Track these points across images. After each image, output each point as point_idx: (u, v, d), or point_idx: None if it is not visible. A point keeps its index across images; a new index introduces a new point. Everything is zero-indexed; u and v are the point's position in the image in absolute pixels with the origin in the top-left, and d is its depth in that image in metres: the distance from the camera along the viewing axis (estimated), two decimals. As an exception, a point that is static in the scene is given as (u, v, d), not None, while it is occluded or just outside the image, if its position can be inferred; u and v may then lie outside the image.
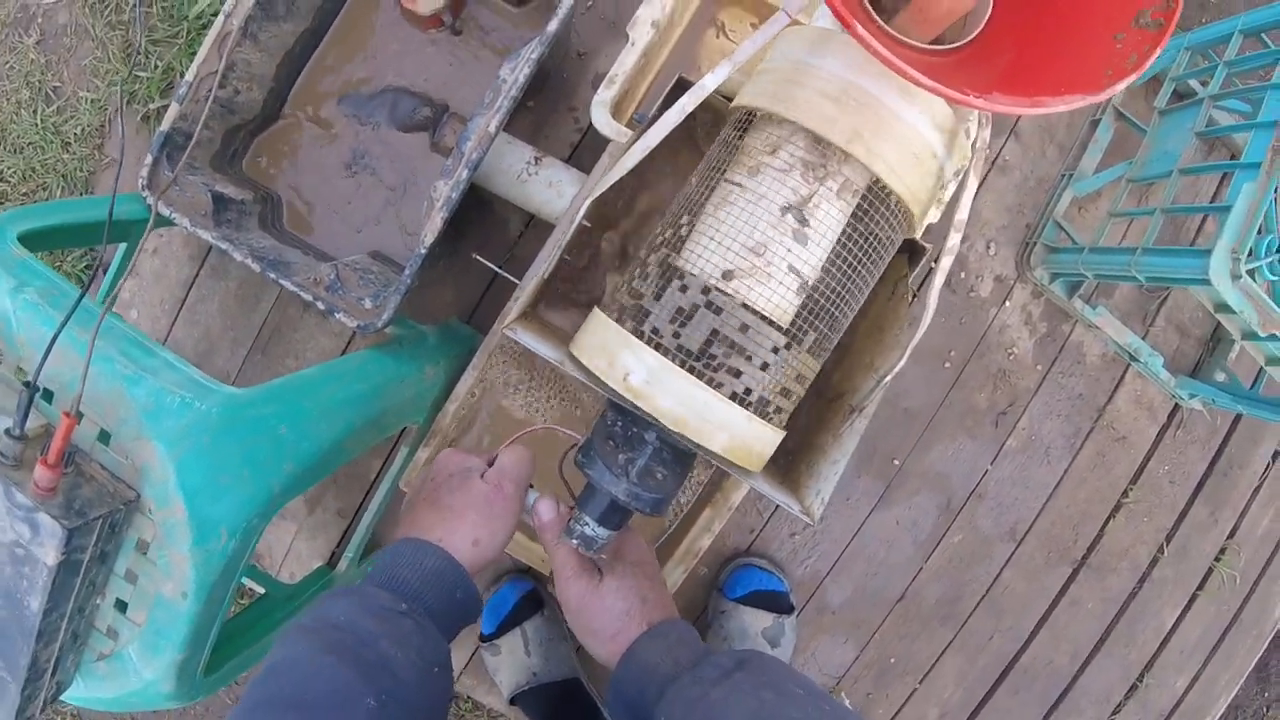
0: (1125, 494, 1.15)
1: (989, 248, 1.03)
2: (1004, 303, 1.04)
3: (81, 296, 0.51)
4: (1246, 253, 0.72)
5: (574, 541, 0.53)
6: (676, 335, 0.52)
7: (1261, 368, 1.03)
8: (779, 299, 0.51)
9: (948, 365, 1.04)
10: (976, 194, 1.01)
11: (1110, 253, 0.88)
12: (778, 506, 1.00)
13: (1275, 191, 0.73)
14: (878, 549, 1.08)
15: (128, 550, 0.52)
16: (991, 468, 1.08)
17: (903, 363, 0.57)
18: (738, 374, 0.51)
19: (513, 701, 1.00)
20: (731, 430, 0.52)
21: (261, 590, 0.88)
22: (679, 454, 0.54)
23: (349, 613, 0.46)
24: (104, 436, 0.51)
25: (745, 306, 0.51)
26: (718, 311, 0.51)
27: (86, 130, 1.11)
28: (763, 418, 0.53)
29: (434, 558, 0.51)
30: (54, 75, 1.12)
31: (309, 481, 0.58)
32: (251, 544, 0.53)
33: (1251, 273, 0.74)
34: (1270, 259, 0.75)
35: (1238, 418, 1.23)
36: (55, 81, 1.11)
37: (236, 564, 0.53)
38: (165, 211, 0.75)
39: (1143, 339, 1.09)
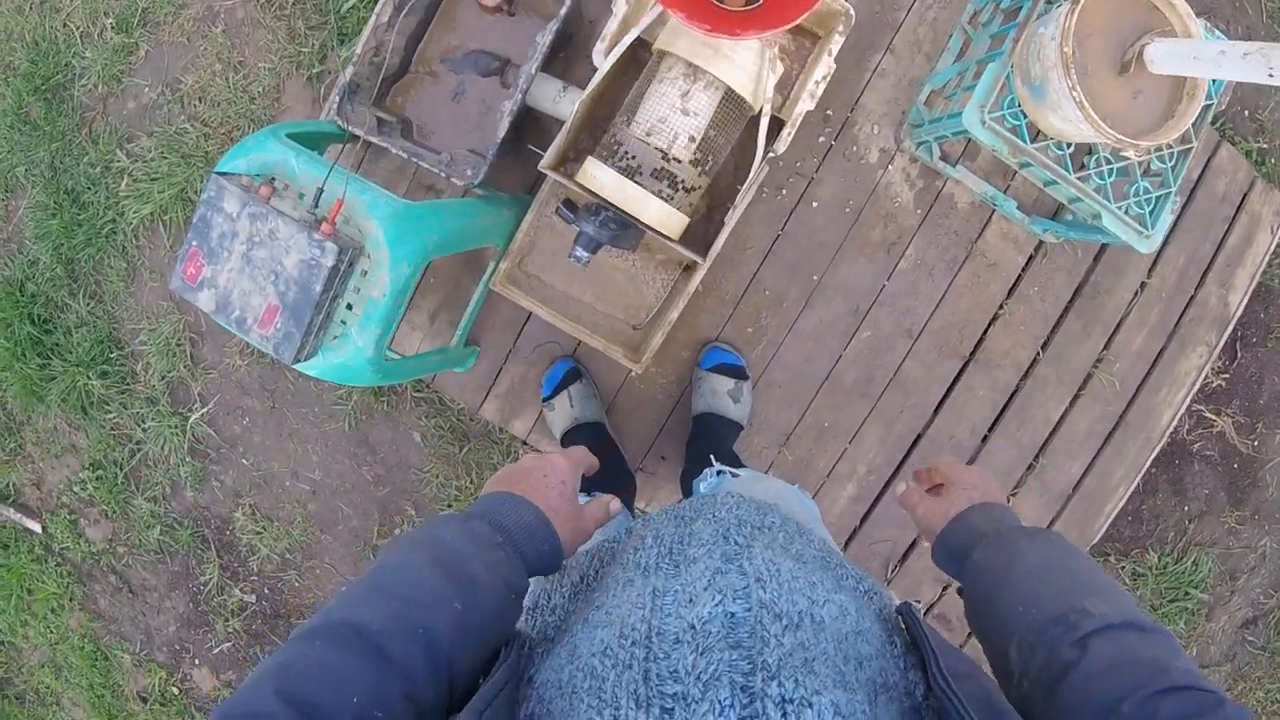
0: (1001, 306, 1.58)
1: (874, 129, 1.49)
2: (887, 166, 1.50)
3: (334, 165, 1.07)
4: (992, 107, 1.17)
5: (572, 259, 1.07)
6: (627, 162, 1.05)
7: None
8: (676, 143, 1.04)
9: (848, 210, 1.51)
10: (863, 91, 1.48)
11: (936, 121, 1.34)
12: (736, 308, 1.51)
13: (1010, 71, 1.18)
14: (806, 340, 1.56)
15: (356, 275, 1.08)
16: (888, 283, 1.54)
17: (755, 174, 1.08)
18: (658, 183, 1.04)
19: (562, 441, 1.55)
20: (655, 211, 1.04)
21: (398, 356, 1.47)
22: (623, 220, 1.07)
23: (455, 536, 0.56)
24: (345, 222, 1.07)
25: (657, 148, 1.04)
26: (645, 150, 1.04)
27: (266, 89, 1.67)
28: (676, 207, 1.05)
29: (531, 514, 0.62)
30: (238, 53, 1.68)
31: (444, 250, 1.13)
32: (417, 275, 1.09)
33: (1000, 121, 1.19)
34: (1013, 110, 1.19)
35: (1101, 251, 1.61)
36: (240, 57, 1.68)
37: (410, 283, 1.08)
38: (350, 129, 1.32)
39: (1003, 191, 1.53)
